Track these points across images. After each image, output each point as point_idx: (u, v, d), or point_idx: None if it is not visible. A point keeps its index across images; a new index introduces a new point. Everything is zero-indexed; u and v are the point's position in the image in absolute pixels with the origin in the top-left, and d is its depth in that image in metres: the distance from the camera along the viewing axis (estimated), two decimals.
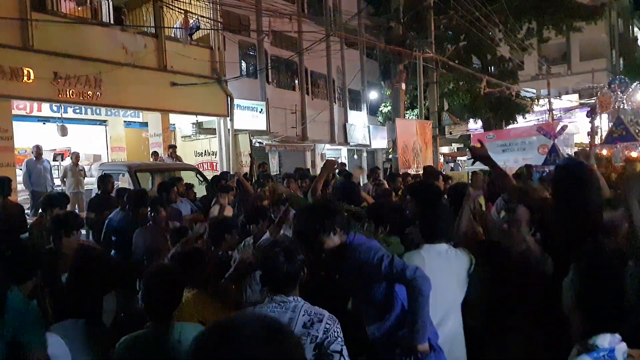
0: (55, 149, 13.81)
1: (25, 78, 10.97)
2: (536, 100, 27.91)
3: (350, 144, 24.87)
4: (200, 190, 9.66)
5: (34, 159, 11.00)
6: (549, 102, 28.27)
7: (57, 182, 11.87)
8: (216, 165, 16.08)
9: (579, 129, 28.33)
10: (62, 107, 12.79)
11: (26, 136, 12.64)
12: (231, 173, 10.61)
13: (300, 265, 2.33)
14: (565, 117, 29.09)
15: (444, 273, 2.96)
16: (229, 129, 16.10)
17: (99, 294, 2.80)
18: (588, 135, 25.88)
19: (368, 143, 25.71)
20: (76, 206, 11.04)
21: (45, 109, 12.96)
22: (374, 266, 2.61)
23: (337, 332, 2.21)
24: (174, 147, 13.66)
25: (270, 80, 19.69)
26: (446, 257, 3.07)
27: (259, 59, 18.93)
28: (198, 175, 10.61)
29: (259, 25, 17.64)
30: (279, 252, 2.32)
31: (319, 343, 2.16)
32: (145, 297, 2.51)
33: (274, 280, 2.32)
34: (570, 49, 36.24)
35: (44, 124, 13.29)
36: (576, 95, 33.71)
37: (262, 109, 17.74)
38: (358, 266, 2.65)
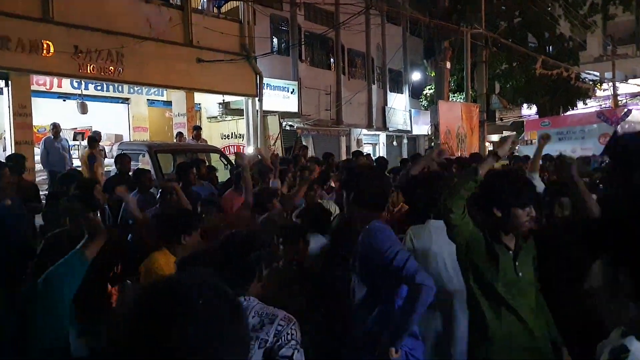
0: (75, 128, 14.08)
1: (44, 51, 11.19)
2: (599, 84, 26.92)
3: (390, 129, 24.57)
4: (225, 175, 9.68)
5: (52, 137, 11.20)
6: (614, 86, 27.25)
7: (77, 162, 12.10)
8: (243, 149, 16.14)
9: None
10: (83, 83, 13.03)
11: (46, 113, 12.90)
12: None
13: (255, 261, 2.25)
14: (632, 104, 27.98)
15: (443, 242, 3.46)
16: (257, 110, 16.09)
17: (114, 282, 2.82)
18: None
19: (409, 129, 25.36)
20: None
21: (66, 85, 13.23)
22: (385, 257, 2.68)
23: (291, 334, 2.12)
24: (198, 128, 13.69)
25: (303, 58, 19.60)
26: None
27: (291, 34, 18.84)
28: (222, 159, 10.64)
29: None
30: (230, 247, 2.25)
31: (268, 347, 2.08)
32: None
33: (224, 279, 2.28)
34: (639, 27, 34.76)
35: (64, 101, 13.58)
36: None
37: (293, 89, 17.69)
38: (369, 251, 2.77)
